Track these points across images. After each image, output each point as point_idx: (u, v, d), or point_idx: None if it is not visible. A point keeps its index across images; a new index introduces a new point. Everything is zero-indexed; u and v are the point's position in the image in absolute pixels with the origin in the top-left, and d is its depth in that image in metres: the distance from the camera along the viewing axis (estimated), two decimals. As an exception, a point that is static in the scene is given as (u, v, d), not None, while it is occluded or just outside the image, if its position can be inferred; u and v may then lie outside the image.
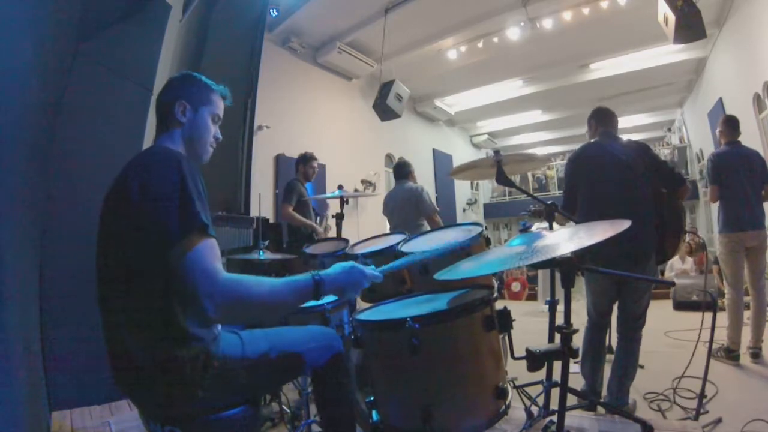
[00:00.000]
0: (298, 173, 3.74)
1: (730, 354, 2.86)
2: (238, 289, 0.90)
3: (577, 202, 2.22)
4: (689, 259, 5.95)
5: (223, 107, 1.22)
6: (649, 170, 2.10)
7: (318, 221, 3.76)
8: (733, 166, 2.94)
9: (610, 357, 2.35)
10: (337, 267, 1.05)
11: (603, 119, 2.30)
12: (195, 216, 0.91)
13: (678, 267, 5.90)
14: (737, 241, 2.89)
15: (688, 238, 6.11)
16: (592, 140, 2.30)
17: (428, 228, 3.21)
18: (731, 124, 3.08)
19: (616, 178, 2.08)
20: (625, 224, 1.09)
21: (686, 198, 2.15)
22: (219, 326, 1.08)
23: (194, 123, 1.14)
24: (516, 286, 7.13)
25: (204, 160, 1.19)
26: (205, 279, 0.87)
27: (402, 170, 3.57)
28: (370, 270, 1.08)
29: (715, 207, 3.21)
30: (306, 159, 3.75)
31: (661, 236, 2.05)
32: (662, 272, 6.48)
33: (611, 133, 2.26)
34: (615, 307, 2.21)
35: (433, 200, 3.44)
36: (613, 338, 2.37)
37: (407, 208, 3.35)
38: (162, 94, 1.15)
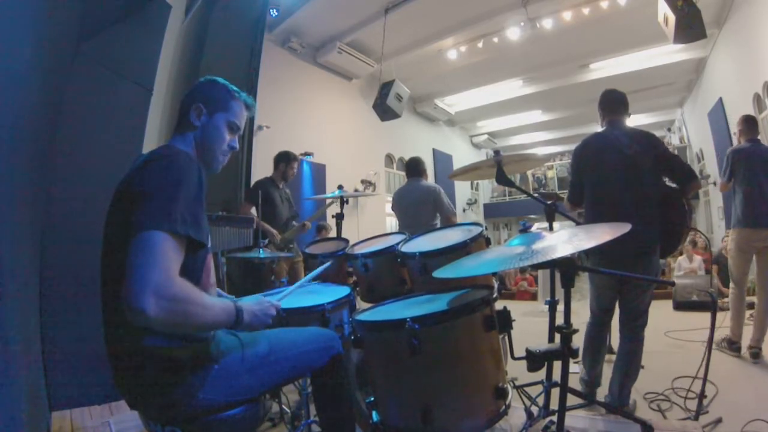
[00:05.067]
0: (277, 171, 3.51)
1: (732, 345, 2.91)
2: (190, 293, 0.85)
3: (582, 195, 2.19)
4: (697, 258, 5.95)
5: (246, 117, 1.20)
6: (658, 165, 2.02)
7: (291, 222, 3.52)
8: (751, 162, 2.93)
9: (611, 357, 2.35)
10: (251, 298, 1.09)
11: (610, 106, 2.19)
12: (170, 218, 0.86)
13: (686, 266, 5.90)
14: (748, 238, 2.89)
15: (690, 236, 6.14)
16: (598, 131, 2.23)
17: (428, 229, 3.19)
18: (750, 123, 3.10)
19: (620, 175, 2.01)
20: (624, 227, 1.09)
21: (693, 194, 2.08)
22: None
23: (207, 128, 1.12)
24: (523, 285, 7.14)
25: (213, 169, 1.16)
26: (160, 270, 0.81)
27: (416, 167, 3.45)
28: (275, 299, 1.13)
29: (715, 207, 3.22)
30: (288, 158, 3.50)
31: (664, 232, 2.03)
32: (664, 271, 6.50)
33: (618, 123, 2.15)
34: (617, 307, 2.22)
35: (449, 199, 3.35)
36: (614, 339, 2.37)
37: (423, 208, 3.25)
38: (185, 96, 1.15)
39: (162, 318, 0.80)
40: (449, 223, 3.17)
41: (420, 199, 3.28)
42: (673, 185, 2.08)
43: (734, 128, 3.23)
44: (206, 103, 1.12)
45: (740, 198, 2.96)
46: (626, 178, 2.01)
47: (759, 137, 3.06)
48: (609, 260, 1.96)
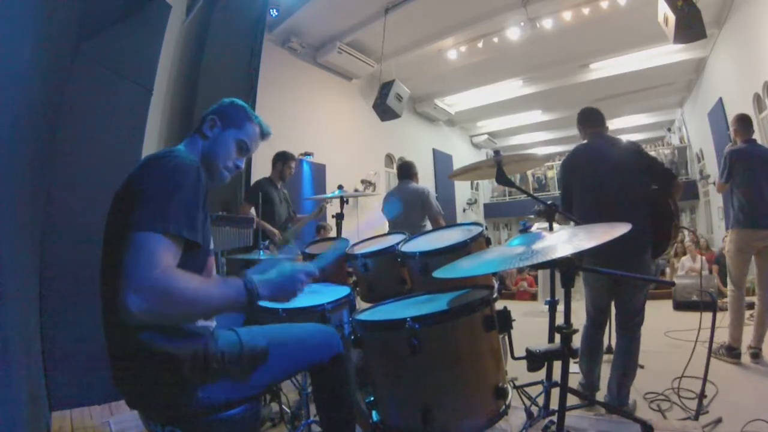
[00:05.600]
0: (274, 171, 3.51)
1: (732, 352, 2.86)
2: (171, 284, 0.83)
3: (572, 203, 2.25)
4: (700, 258, 5.95)
5: (257, 141, 1.22)
6: (640, 168, 2.13)
7: (289, 221, 3.53)
8: (749, 163, 2.93)
9: (609, 357, 2.36)
10: (272, 271, 1.01)
11: (589, 121, 2.35)
12: (166, 217, 0.87)
13: (689, 265, 5.90)
14: (747, 238, 2.89)
15: (688, 237, 6.15)
16: (583, 142, 2.36)
17: (428, 229, 3.21)
18: (744, 122, 3.09)
19: (607, 179, 2.11)
20: (624, 227, 1.10)
21: (679, 194, 2.17)
22: (213, 324, 1.08)
23: (217, 140, 1.15)
24: (522, 285, 7.14)
25: (215, 181, 1.17)
26: (143, 266, 0.82)
27: (407, 170, 3.56)
28: (306, 265, 1.05)
29: (715, 207, 3.22)
30: (286, 158, 3.51)
31: (654, 232, 2.07)
32: (664, 271, 6.50)
33: (601, 134, 2.31)
34: (613, 307, 2.23)
35: (437, 201, 3.43)
36: (612, 338, 2.37)
37: (412, 209, 3.33)
38: (206, 111, 1.20)
39: (146, 314, 0.81)
40: (437, 224, 3.23)
41: (409, 201, 3.36)
42: (656, 187, 2.17)
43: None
44: (222, 118, 1.17)
45: (739, 199, 2.95)
46: (615, 182, 2.10)
47: (754, 137, 3.05)
48: (604, 260, 1.97)
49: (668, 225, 2.10)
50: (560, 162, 2.50)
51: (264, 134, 1.23)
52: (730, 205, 3.06)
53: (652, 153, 10.93)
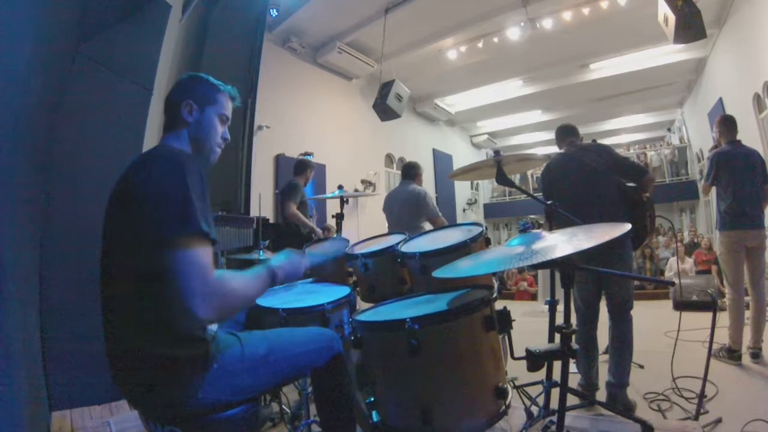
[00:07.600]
0: (301, 176, 3.82)
1: (732, 354, 2.86)
2: (226, 286, 0.94)
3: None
4: (688, 259, 5.96)
5: (231, 108, 1.23)
6: (613, 168, 2.30)
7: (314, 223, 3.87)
8: (733, 165, 2.94)
9: (605, 357, 2.36)
10: (280, 255, 1.17)
11: (563, 136, 2.60)
12: (192, 219, 0.91)
13: (681, 266, 5.91)
14: (737, 239, 2.89)
15: (688, 236, 6.14)
16: (560, 152, 2.56)
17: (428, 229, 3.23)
18: (729, 124, 3.08)
19: (582, 181, 2.28)
20: (625, 227, 1.10)
21: (652, 187, 2.31)
22: (215, 327, 1.08)
23: (200, 123, 1.14)
24: (522, 285, 7.14)
25: (211, 161, 1.19)
26: (199, 278, 0.89)
27: (409, 171, 3.64)
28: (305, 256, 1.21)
29: (715, 207, 3.21)
30: (312, 165, 3.97)
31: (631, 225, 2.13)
32: (662, 272, 6.50)
33: (574, 143, 2.53)
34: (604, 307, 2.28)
35: (434, 202, 3.49)
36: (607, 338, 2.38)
37: (406, 209, 3.40)
38: (170, 95, 1.16)
39: (213, 316, 0.91)
40: (435, 224, 3.32)
41: (405, 200, 3.44)
42: (631, 184, 2.33)
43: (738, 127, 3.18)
44: (195, 100, 1.14)
45: (726, 200, 2.96)
46: (589, 182, 2.26)
47: (756, 137, 3.06)
48: (585, 254, 1.99)
49: (642, 216, 2.23)
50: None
51: (233, 98, 1.23)
52: (717, 208, 3.06)
53: (652, 153, 11.07)
